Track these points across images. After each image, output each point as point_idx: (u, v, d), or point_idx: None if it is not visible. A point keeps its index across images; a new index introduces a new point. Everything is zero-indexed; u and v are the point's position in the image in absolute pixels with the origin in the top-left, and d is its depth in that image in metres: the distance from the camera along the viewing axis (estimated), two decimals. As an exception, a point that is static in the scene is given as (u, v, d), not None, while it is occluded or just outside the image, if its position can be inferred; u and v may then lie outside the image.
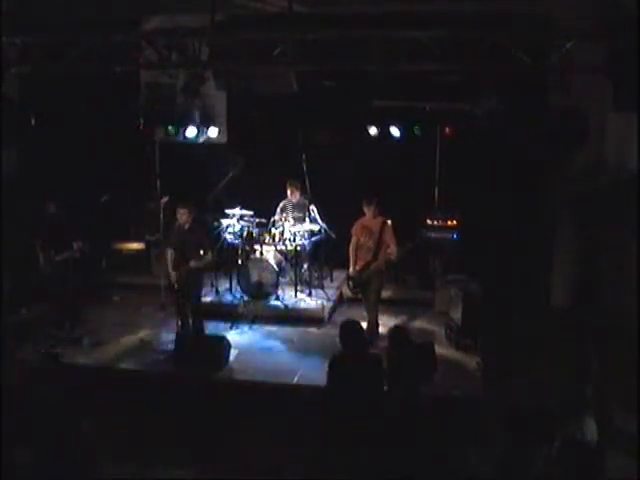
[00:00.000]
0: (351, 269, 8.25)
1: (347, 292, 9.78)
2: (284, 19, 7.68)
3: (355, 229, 8.25)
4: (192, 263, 7.77)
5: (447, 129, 9.50)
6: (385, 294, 8.76)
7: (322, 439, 5.27)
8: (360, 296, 8.47)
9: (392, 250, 8.00)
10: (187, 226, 7.88)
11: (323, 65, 7.51)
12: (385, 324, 8.55)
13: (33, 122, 9.38)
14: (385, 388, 5.45)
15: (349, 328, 5.39)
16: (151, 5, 8.68)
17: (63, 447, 4.86)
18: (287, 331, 8.64)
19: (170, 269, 7.94)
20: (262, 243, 9.22)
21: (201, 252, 7.82)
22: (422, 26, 7.20)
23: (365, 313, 8.48)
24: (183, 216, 7.86)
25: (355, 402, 5.11)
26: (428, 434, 5.28)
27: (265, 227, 9.35)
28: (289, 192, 9.50)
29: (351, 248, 8.24)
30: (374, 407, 5.15)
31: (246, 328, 8.68)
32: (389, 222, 8.21)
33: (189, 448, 6.12)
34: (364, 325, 8.35)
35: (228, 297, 9.29)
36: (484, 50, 6.94)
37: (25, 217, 9.01)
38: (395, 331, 5.97)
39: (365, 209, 8.13)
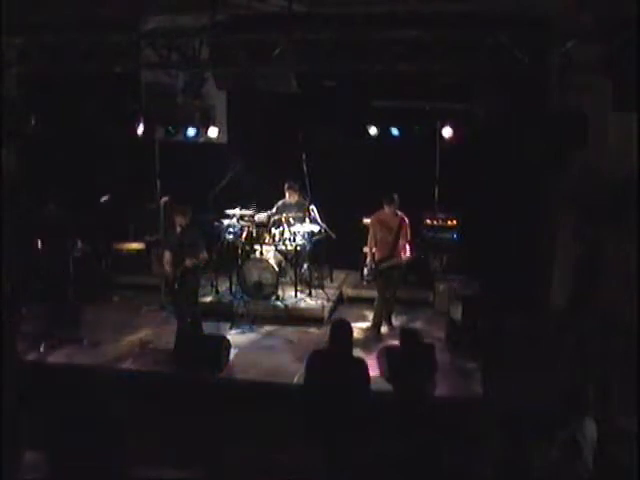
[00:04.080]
0: (368, 259, 8.45)
1: (347, 292, 9.82)
2: (284, 19, 7.68)
3: (372, 223, 8.45)
4: (187, 261, 7.77)
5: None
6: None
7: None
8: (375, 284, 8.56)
9: (404, 249, 8.27)
10: (184, 227, 7.88)
11: (323, 65, 7.50)
12: (385, 323, 8.58)
13: (33, 122, 9.37)
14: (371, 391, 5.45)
15: (339, 327, 5.41)
16: (151, 5, 8.66)
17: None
18: (287, 331, 8.65)
19: (167, 270, 7.92)
20: (262, 243, 9.22)
21: (200, 254, 7.84)
22: (422, 26, 7.19)
23: (365, 313, 8.52)
24: (180, 216, 7.87)
25: (330, 401, 5.11)
26: (428, 434, 5.29)
27: (265, 227, 9.35)
28: (287, 195, 9.51)
29: (370, 243, 8.46)
30: (352, 408, 5.13)
31: (246, 328, 8.68)
32: (407, 221, 8.36)
33: (189, 448, 6.12)
34: (367, 325, 8.43)
35: (228, 297, 9.29)
36: (484, 50, 6.94)
37: (25, 217, 9.01)
38: (406, 333, 6.00)
39: (385, 206, 8.32)
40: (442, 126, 9.50)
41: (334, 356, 5.29)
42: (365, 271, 8.51)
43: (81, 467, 5.11)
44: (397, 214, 8.34)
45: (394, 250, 8.27)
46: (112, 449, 5.29)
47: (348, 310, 9.26)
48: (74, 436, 5.03)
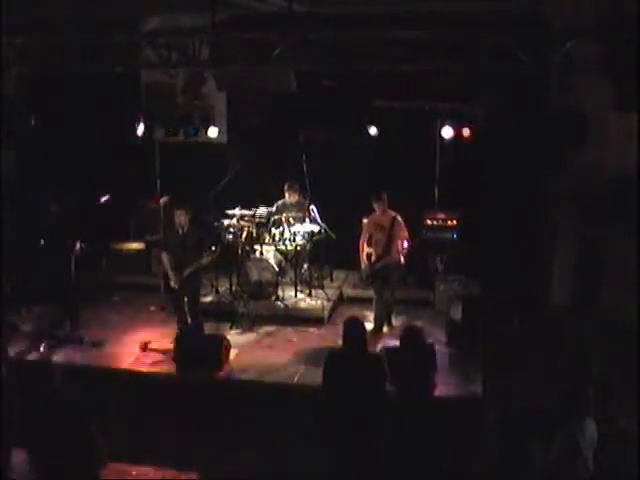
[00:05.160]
0: (363, 264, 8.43)
1: (347, 292, 9.82)
2: (284, 19, 7.68)
3: (367, 224, 8.47)
4: (203, 260, 7.81)
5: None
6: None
7: (320, 438, 5.27)
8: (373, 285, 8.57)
9: (402, 245, 8.25)
10: (185, 227, 7.89)
11: (323, 65, 7.51)
12: (385, 324, 8.58)
13: (33, 122, 9.37)
14: (387, 388, 5.46)
15: (352, 326, 5.41)
16: (151, 5, 8.67)
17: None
18: (287, 331, 8.64)
19: (169, 271, 7.94)
20: (262, 243, 9.22)
21: (204, 254, 7.86)
22: (422, 26, 7.20)
23: (365, 313, 8.51)
24: (181, 217, 7.88)
25: (353, 401, 5.12)
26: (428, 434, 5.28)
27: (265, 227, 9.35)
28: (287, 195, 9.51)
29: (361, 242, 8.44)
30: (373, 407, 5.15)
31: (246, 328, 8.68)
32: (399, 217, 8.32)
33: (189, 448, 6.12)
34: (368, 326, 8.43)
35: (228, 297, 9.28)
36: (484, 50, 6.94)
37: (25, 217, 9.02)
38: (408, 332, 6.00)
39: (374, 205, 8.31)
40: (442, 126, 9.50)
41: (349, 356, 5.29)
42: (363, 275, 8.54)
43: (79, 467, 5.09)
44: (388, 212, 8.33)
45: (388, 249, 8.27)
46: (110, 448, 5.27)
47: (348, 310, 9.24)
48: (73, 435, 5.01)
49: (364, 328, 5.44)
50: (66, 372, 5.25)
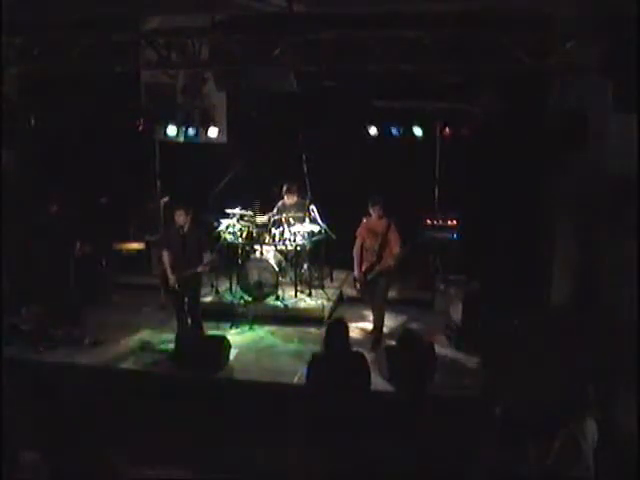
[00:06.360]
0: (356, 271, 8.20)
1: (347, 292, 9.81)
2: (284, 19, 7.68)
3: (360, 231, 8.26)
4: (200, 268, 7.79)
5: (446, 130, 9.47)
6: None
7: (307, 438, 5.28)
8: (365, 297, 8.45)
9: (395, 252, 8.01)
10: (185, 227, 7.88)
11: (323, 65, 7.50)
12: (385, 324, 8.57)
13: (33, 122, 9.37)
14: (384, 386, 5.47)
15: (333, 329, 5.42)
16: (151, 5, 8.66)
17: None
18: (287, 331, 8.64)
19: (168, 271, 7.93)
20: (262, 243, 9.22)
21: (203, 254, 7.84)
22: (422, 26, 7.20)
23: (365, 313, 8.49)
24: (180, 217, 7.86)
25: (339, 401, 5.12)
26: (428, 434, 5.29)
27: (265, 227, 9.35)
28: (286, 197, 9.49)
29: (355, 249, 8.22)
30: (359, 405, 5.16)
31: (246, 328, 8.68)
32: (393, 226, 8.22)
33: (189, 448, 6.12)
34: (366, 325, 8.43)
35: (228, 297, 9.29)
36: (484, 50, 6.94)
37: (25, 217, 9.02)
38: (405, 334, 6.01)
39: (370, 210, 8.13)
40: (442, 126, 9.51)
41: (333, 359, 5.30)
42: (357, 285, 8.26)
43: (80, 467, 5.10)
44: (383, 218, 8.10)
45: (381, 256, 8.01)
46: (111, 449, 5.28)
47: (348, 310, 9.25)
48: (73, 436, 5.02)
49: (347, 329, 5.43)
50: (66, 372, 5.27)
